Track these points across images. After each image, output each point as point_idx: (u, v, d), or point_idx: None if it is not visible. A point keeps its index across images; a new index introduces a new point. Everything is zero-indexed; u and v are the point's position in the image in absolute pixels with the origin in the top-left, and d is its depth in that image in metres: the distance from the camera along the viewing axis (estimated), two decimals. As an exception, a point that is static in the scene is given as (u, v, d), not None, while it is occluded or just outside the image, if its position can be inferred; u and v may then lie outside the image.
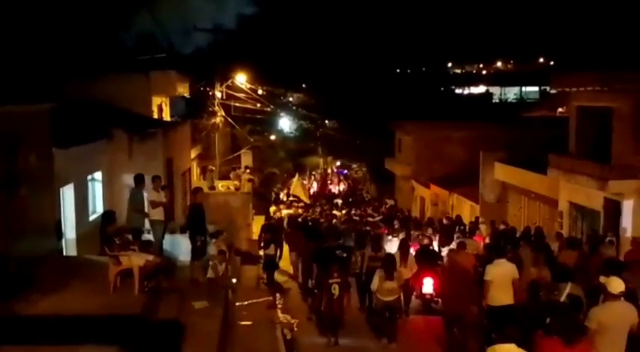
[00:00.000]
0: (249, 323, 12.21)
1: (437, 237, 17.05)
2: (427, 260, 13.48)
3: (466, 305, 9.94)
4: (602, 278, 7.60)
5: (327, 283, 11.43)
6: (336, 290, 11.24)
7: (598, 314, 7.18)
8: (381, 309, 11.35)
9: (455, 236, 15.01)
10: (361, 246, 14.18)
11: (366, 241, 14.39)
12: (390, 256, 12.05)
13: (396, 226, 19.81)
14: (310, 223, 20.20)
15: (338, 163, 56.29)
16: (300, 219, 22.88)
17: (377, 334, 11.69)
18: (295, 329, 12.78)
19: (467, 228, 18.34)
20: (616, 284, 7.29)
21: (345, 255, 13.97)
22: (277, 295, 15.50)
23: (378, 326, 11.72)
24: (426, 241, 14.84)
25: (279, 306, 14.65)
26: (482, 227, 18.27)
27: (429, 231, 17.43)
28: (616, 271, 8.24)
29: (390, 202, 35.45)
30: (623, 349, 7.14)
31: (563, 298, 8.51)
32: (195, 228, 12.17)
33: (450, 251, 13.10)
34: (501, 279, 9.67)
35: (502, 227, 17.82)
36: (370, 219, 25.69)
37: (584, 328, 6.59)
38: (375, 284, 11.35)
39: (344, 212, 30.69)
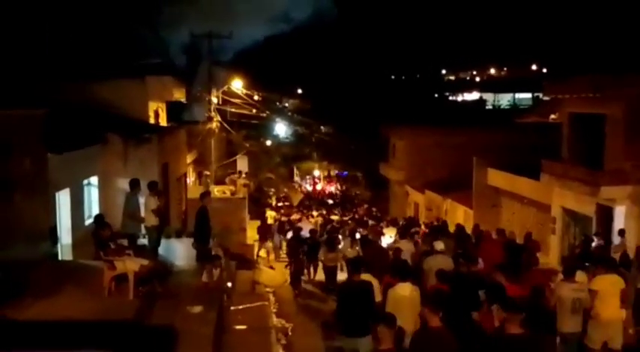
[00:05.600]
0: (243, 327, 12.24)
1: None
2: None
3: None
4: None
5: (298, 255, 18.22)
6: (299, 257, 18.17)
7: (428, 261, 11.63)
8: (327, 270, 17.01)
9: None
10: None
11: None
12: (331, 238, 18.46)
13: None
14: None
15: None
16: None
17: (326, 287, 16.88)
18: (290, 333, 12.83)
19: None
20: (438, 246, 12.05)
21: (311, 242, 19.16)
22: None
23: (327, 283, 17.09)
24: (364, 232, 20.15)
25: (274, 311, 14.70)
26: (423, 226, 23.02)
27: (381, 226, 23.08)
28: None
29: (365, 206, 41.17)
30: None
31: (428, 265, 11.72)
32: (202, 231, 12.31)
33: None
34: (406, 251, 14.03)
35: (435, 223, 23.10)
36: (344, 219, 31.36)
37: (411, 272, 10.09)
38: (321, 254, 17.53)
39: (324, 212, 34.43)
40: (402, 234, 16.58)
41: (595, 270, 9.71)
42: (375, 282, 9.48)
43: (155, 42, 31.19)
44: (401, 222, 24.30)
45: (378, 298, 9.10)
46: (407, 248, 14.31)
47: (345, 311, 8.66)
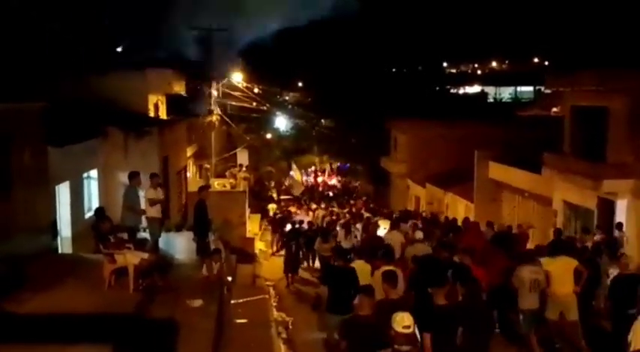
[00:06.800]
0: (244, 321, 12.23)
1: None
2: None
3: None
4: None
5: (291, 246, 19.18)
6: (292, 248, 19.12)
7: (409, 249, 12.43)
8: (322, 260, 17.34)
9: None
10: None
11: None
12: (326, 229, 20.45)
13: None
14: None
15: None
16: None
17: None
18: (290, 327, 12.83)
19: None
20: (417, 235, 13.76)
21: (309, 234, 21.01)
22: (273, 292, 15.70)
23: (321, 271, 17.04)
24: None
25: (275, 305, 14.70)
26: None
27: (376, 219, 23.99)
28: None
29: (362, 200, 42.05)
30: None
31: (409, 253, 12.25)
32: (200, 224, 12.29)
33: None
34: (396, 241, 14.12)
35: (429, 216, 24.97)
36: (342, 211, 32.60)
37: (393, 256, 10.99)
38: (316, 245, 18.50)
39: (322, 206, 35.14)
40: (393, 225, 17.38)
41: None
42: (367, 267, 10.49)
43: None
44: (394, 215, 25.04)
45: (369, 280, 9.86)
46: (396, 238, 14.82)
47: (330, 293, 9.89)
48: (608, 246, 13.39)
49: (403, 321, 6.22)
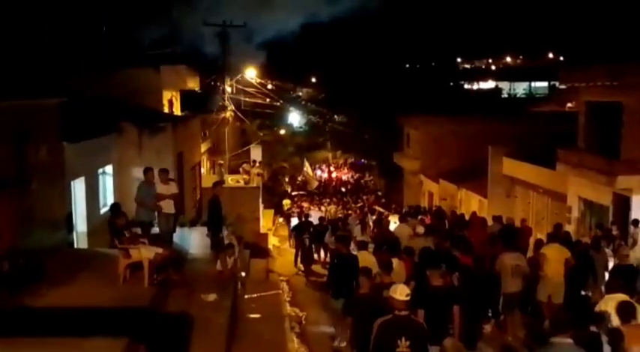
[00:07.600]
0: (257, 315, 12.30)
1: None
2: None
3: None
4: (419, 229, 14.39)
5: (303, 239, 20.08)
6: (306, 242, 19.99)
7: (410, 242, 12.96)
8: (332, 252, 16.53)
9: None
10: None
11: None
12: (335, 223, 21.59)
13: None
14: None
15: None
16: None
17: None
18: (304, 322, 12.87)
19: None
20: (419, 229, 14.07)
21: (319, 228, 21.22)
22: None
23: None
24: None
25: (288, 300, 14.75)
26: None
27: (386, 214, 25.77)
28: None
29: (373, 196, 43.37)
30: None
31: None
32: (214, 220, 12.39)
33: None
34: (404, 234, 14.79)
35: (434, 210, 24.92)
36: (354, 205, 34.66)
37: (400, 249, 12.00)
38: (326, 238, 19.14)
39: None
40: (402, 219, 17.83)
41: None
42: (371, 258, 11.09)
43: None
44: (404, 210, 25.64)
45: (376, 269, 10.38)
46: (404, 231, 15.28)
47: (334, 279, 10.83)
48: (606, 240, 14.04)
49: (404, 290, 6.91)
